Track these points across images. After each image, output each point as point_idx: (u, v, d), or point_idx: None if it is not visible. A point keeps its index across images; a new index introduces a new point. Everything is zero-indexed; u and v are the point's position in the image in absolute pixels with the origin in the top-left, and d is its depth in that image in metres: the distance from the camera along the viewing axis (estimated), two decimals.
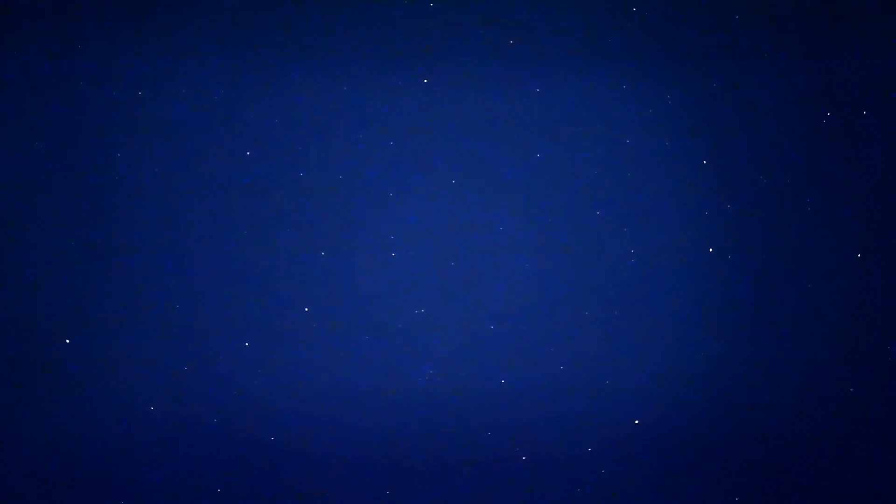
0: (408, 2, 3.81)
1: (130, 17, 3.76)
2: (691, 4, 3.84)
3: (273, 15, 3.78)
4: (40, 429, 3.75)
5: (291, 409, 3.80)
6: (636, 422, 3.82)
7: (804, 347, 3.83)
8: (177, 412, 3.78)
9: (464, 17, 3.81)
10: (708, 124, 3.85)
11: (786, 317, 3.83)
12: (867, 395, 3.83)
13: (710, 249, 3.84)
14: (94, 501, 3.75)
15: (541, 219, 3.85)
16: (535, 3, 3.82)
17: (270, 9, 3.78)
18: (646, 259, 3.84)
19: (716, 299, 3.83)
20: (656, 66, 3.83)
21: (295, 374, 3.81)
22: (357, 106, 3.82)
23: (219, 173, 3.80)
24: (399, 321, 3.84)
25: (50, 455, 3.74)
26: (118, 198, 3.78)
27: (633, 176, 3.85)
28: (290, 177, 3.82)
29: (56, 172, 3.76)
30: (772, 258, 3.84)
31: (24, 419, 3.74)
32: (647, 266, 3.84)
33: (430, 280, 3.85)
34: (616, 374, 3.83)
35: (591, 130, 3.85)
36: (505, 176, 3.85)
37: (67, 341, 3.76)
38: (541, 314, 3.85)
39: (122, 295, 3.78)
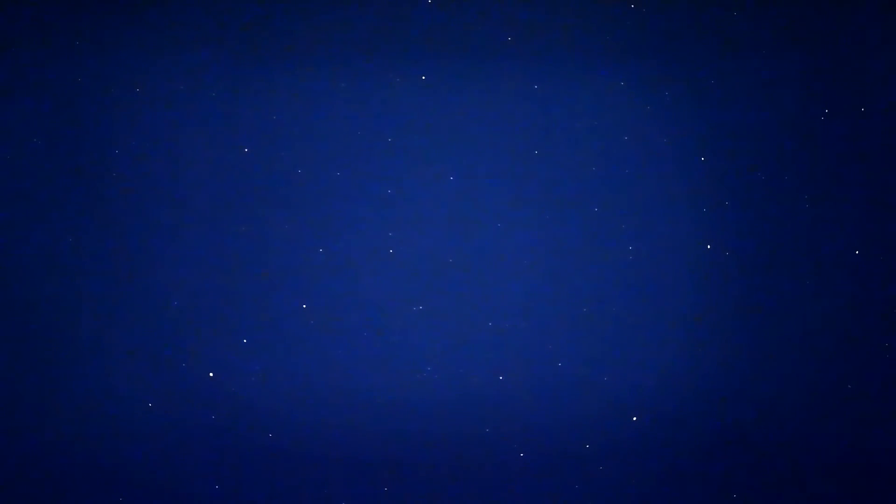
0: None
1: (128, 14, 3.77)
2: (689, 2, 3.84)
3: (271, 12, 3.79)
4: (38, 426, 3.75)
5: (289, 406, 3.80)
6: (634, 419, 3.81)
7: (802, 345, 3.82)
8: (174, 409, 3.79)
9: (462, 14, 3.82)
10: (706, 121, 3.84)
11: (784, 314, 3.82)
12: (867, 393, 3.81)
13: (708, 246, 3.84)
14: (92, 499, 3.75)
15: (538, 216, 3.85)
16: (534, 1, 3.83)
17: (268, 6, 3.80)
18: (644, 256, 3.84)
19: (713, 296, 3.82)
20: (654, 64, 3.83)
21: (292, 370, 3.81)
22: (355, 103, 3.82)
23: (216, 170, 3.81)
24: (397, 318, 3.84)
25: (48, 452, 3.75)
26: (115, 195, 3.79)
27: (631, 173, 3.85)
28: (287, 174, 3.83)
29: (52, 170, 3.77)
30: (770, 255, 3.83)
31: (22, 417, 3.74)
32: (644, 263, 3.84)
33: (427, 277, 3.85)
34: (614, 372, 3.82)
35: (589, 127, 3.85)
36: (503, 173, 3.85)
37: (65, 338, 3.77)
38: (539, 311, 3.84)
39: (119, 292, 3.79)
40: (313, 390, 3.81)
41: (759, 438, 3.80)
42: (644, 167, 3.84)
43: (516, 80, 3.83)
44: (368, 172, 3.85)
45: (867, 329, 3.82)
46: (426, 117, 3.83)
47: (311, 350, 3.82)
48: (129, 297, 3.79)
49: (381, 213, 3.85)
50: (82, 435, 3.76)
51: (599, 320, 3.83)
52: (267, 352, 3.82)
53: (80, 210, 3.79)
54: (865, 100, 3.82)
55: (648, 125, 3.84)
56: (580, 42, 3.82)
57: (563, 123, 3.84)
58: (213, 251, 3.81)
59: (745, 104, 3.83)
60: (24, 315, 3.76)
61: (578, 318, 3.83)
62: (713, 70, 3.83)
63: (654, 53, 3.82)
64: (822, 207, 3.83)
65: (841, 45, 3.82)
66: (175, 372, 3.79)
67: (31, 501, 3.74)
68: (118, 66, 3.78)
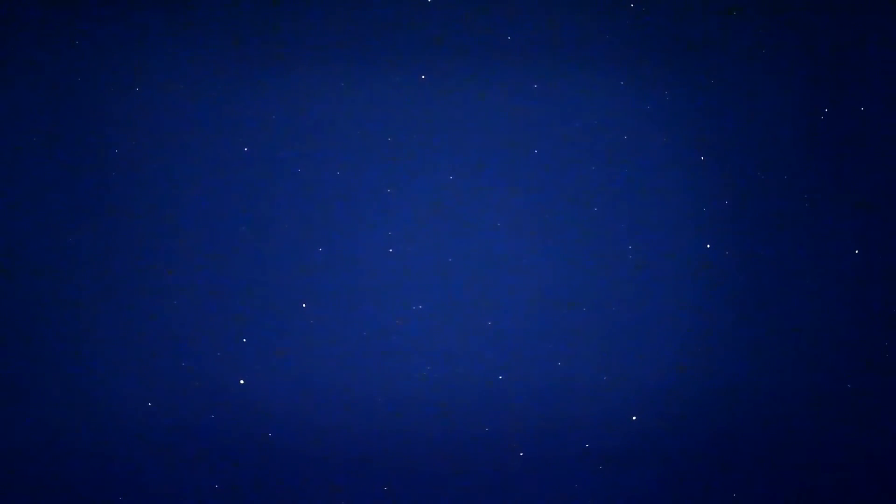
0: None
1: (128, 14, 3.77)
2: (689, 2, 3.84)
3: (271, 12, 3.80)
4: (38, 426, 3.75)
5: (289, 405, 3.80)
6: (633, 418, 3.81)
7: (802, 345, 3.82)
8: (174, 409, 3.79)
9: (461, 13, 3.82)
10: (706, 121, 3.85)
11: (783, 313, 3.82)
12: (867, 393, 3.81)
13: (708, 246, 3.84)
14: (92, 499, 3.75)
15: (538, 215, 3.85)
16: (534, 1, 3.83)
17: (268, 6, 3.80)
18: (643, 255, 3.84)
19: (713, 295, 3.83)
20: (654, 63, 3.83)
21: (292, 370, 3.82)
22: (355, 102, 3.82)
23: (217, 170, 3.82)
24: (396, 318, 3.84)
25: (48, 452, 3.75)
26: (115, 194, 3.79)
27: (630, 172, 3.85)
28: (287, 173, 3.83)
29: (52, 169, 3.77)
30: (769, 255, 3.83)
31: (21, 416, 3.75)
32: (644, 262, 3.84)
33: (427, 277, 3.85)
34: (613, 371, 3.82)
35: (588, 127, 3.85)
36: (503, 172, 3.85)
37: (65, 338, 3.77)
38: (538, 311, 3.84)
39: (119, 291, 3.79)
40: (313, 390, 3.81)
41: (759, 438, 3.80)
42: (644, 167, 3.84)
43: (516, 80, 3.83)
44: (368, 172, 3.85)
45: (867, 329, 3.82)
46: (426, 117, 3.84)
47: (311, 350, 3.83)
48: (130, 297, 3.79)
49: (381, 213, 3.85)
50: (82, 435, 3.76)
51: (599, 320, 3.83)
52: (267, 351, 3.82)
53: (79, 210, 3.79)
54: (865, 100, 3.82)
55: (648, 125, 3.84)
56: (580, 42, 3.82)
57: (563, 123, 3.85)
58: (213, 250, 3.81)
59: (744, 104, 3.83)
60: (24, 315, 3.76)
61: (578, 318, 3.84)
62: (713, 70, 3.83)
63: (654, 53, 3.82)
64: (822, 207, 3.83)
65: (841, 45, 3.82)
66: (175, 372, 3.79)
67: (32, 501, 3.74)
68: (118, 66, 3.78)
